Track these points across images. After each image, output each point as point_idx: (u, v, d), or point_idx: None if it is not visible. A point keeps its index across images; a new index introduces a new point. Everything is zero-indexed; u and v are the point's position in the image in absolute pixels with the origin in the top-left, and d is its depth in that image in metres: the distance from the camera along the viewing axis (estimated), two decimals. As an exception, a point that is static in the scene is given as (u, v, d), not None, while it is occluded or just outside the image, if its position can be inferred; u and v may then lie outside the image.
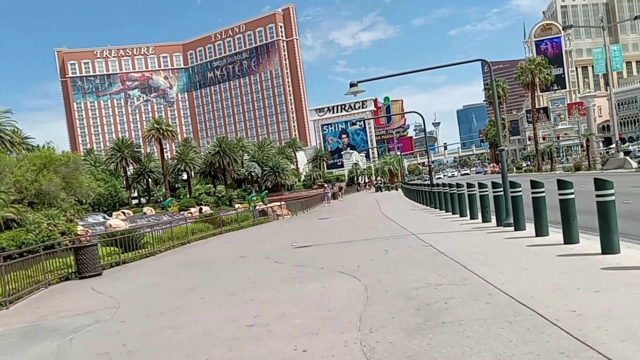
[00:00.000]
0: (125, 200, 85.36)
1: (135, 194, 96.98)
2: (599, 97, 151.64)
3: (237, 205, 74.21)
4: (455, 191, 24.02)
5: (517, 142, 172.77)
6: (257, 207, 48.74)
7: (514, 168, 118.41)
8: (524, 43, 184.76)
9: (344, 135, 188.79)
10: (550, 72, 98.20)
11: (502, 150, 17.63)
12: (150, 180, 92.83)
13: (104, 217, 61.79)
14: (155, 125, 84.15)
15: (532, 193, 13.33)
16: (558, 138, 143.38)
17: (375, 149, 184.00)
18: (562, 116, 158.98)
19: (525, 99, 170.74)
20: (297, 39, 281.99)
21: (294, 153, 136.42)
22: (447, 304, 7.52)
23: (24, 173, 42.00)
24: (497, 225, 16.78)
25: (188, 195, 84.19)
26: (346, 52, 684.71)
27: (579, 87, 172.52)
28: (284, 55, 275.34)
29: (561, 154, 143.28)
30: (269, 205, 50.20)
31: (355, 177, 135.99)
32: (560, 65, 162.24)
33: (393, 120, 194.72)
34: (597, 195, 9.95)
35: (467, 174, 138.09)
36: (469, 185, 21.42)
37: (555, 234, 13.23)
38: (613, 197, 9.89)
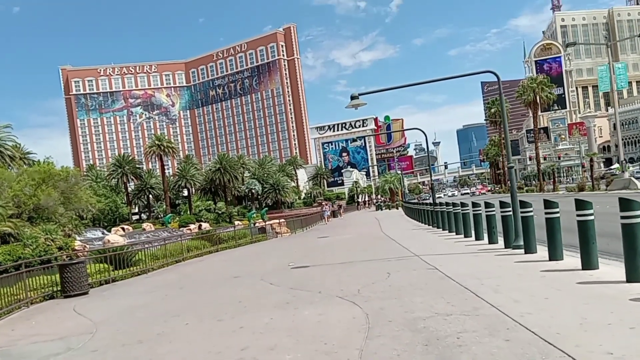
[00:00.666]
0: (126, 216, 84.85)
1: (136, 210, 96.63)
2: (600, 118, 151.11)
3: (236, 222, 73.44)
4: (459, 210, 23.12)
5: (517, 162, 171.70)
6: (257, 225, 47.91)
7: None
8: (524, 62, 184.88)
9: (344, 154, 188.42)
10: (552, 90, 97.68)
11: (512, 167, 16.74)
12: (151, 196, 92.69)
13: (103, 233, 61.13)
14: (157, 142, 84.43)
15: (546, 213, 12.44)
16: (559, 158, 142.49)
17: (375, 167, 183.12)
18: (563, 136, 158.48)
19: (525, 119, 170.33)
20: (298, 58, 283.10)
21: (295, 171, 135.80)
22: (459, 339, 6.61)
23: (22, 187, 41.49)
24: (505, 247, 15.87)
25: (188, 212, 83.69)
26: (347, 72, 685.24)
27: (579, 107, 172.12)
28: (285, 74, 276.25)
29: (562, 174, 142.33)
30: (268, 222, 49.29)
31: (356, 195, 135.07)
32: (561, 85, 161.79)
33: (393, 139, 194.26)
34: (623, 217, 9.03)
35: (467, 193, 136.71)
36: (474, 205, 20.56)
37: (571, 259, 12.37)
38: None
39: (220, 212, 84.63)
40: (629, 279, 8.91)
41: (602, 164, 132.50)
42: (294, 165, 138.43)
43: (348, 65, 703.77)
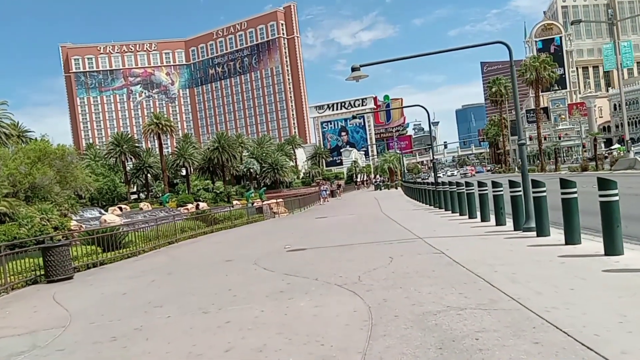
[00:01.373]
0: (124, 195, 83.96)
1: (135, 189, 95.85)
2: (600, 98, 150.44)
3: (235, 202, 72.83)
4: (463, 190, 22.16)
5: (516, 142, 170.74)
6: (255, 204, 47.10)
7: (516, 168, 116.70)
8: (524, 43, 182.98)
9: (343, 133, 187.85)
10: (555, 69, 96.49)
11: (523, 144, 15.70)
12: (149, 175, 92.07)
13: (100, 212, 60.44)
14: (155, 120, 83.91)
15: (562, 194, 11.48)
16: (560, 138, 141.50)
17: (374, 146, 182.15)
18: (563, 116, 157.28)
19: (525, 99, 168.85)
20: (298, 37, 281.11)
21: (293, 150, 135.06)
22: (478, 340, 5.64)
23: (17, 166, 40.56)
24: (515, 230, 14.90)
25: (187, 191, 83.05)
26: (346, 51, 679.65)
27: (579, 87, 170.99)
28: (285, 52, 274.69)
29: (562, 155, 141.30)
30: (265, 202, 48.40)
31: (354, 175, 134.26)
32: (561, 65, 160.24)
33: (392, 118, 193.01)
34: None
35: (465, 174, 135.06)
36: (480, 185, 19.60)
37: (589, 242, 11.45)
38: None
39: (218, 191, 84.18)
40: (663, 268, 7.97)
41: (602, 144, 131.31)
42: (293, 145, 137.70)
43: (348, 44, 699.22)
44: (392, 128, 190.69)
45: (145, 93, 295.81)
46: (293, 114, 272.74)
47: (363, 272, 10.57)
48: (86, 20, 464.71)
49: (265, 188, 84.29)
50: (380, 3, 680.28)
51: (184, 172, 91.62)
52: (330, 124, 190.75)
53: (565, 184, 11.48)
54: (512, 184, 15.39)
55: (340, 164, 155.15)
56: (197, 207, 65.18)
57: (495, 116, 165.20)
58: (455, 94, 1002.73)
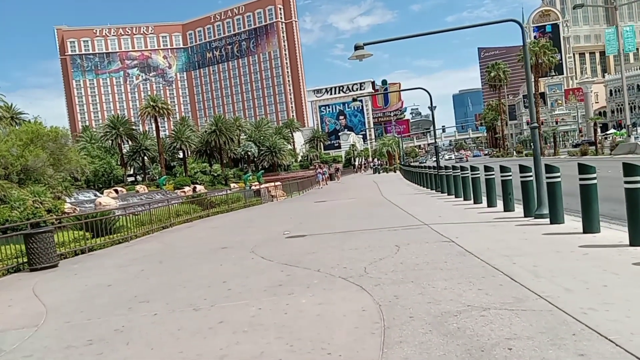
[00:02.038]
0: (121, 178, 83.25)
1: (131, 172, 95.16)
2: (597, 84, 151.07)
3: (232, 185, 72.27)
4: (468, 174, 21.33)
5: (513, 126, 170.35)
6: (253, 187, 46.45)
7: (514, 152, 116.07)
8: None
9: (341, 117, 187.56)
10: (554, 54, 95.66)
11: (535, 127, 14.84)
12: (146, 158, 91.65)
13: (95, 195, 59.85)
14: (151, 103, 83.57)
15: (581, 179, 10.65)
16: (556, 123, 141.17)
17: (372, 130, 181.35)
18: (560, 102, 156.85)
19: (522, 85, 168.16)
20: (296, 22, 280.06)
21: (291, 133, 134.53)
22: (512, 351, 4.81)
23: (9, 148, 39.88)
24: (525, 217, 14.11)
25: (184, 174, 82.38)
26: (344, 36, 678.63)
27: (575, 73, 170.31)
28: (283, 37, 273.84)
29: (558, 139, 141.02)
30: (263, 185, 47.57)
31: (353, 159, 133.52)
32: (558, 51, 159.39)
33: (390, 102, 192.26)
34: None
35: (461, 158, 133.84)
36: (487, 169, 18.77)
37: (608, 231, 10.68)
38: None
39: (216, 174, 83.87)
40: None
41: (599, 129, 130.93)
42: (291, 128, 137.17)
43: (346, 29, 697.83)
44: (390, 112, 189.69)
45: (142, 76, 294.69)
46: (291, 98, 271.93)
47: (369, 263, 9.78)
48: (82, 2, 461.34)
49: (263, 171, 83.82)
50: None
51: (180, 155, 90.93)
52: (329, 107, 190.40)
53: (584, 169, 10.65)
54: (523, 168, 14.57)
55: (339, 147, 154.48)
56: (194, 189, 64.61)
57: (493, 101, 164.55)
58: (452, 78, 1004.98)
